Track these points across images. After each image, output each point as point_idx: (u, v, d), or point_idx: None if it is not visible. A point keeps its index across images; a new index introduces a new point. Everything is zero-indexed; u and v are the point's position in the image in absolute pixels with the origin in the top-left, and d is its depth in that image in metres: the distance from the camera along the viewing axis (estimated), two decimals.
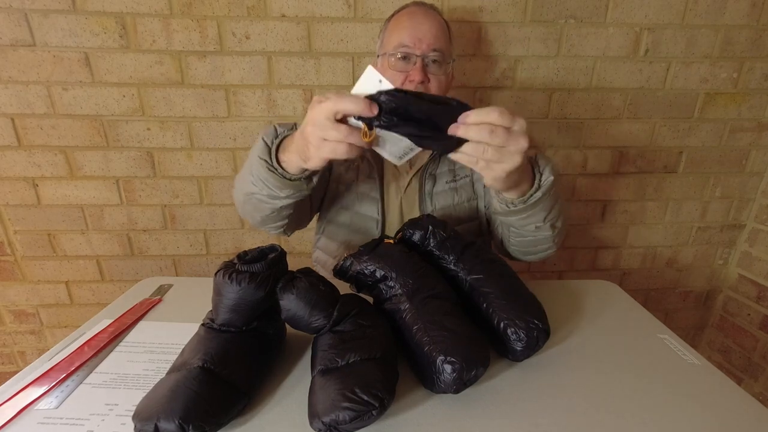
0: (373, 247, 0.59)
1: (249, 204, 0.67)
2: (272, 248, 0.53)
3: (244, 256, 0.51)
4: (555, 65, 1.05)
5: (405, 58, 0.75)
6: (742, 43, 1.07)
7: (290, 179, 0.57)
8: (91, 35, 0.95)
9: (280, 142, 0.58)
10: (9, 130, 1.02)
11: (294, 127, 0.58)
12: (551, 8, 1.00)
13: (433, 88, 0.76)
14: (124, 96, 1.01)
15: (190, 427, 0.39)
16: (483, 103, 1.07)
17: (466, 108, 0.46)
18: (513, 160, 0.48)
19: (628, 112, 1.12)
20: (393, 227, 0.82)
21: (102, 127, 1.03)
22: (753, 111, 1.14)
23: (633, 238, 1.27)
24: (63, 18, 0.93)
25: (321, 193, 0.83)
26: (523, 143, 0.47)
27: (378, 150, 0.51)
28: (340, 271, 0.59)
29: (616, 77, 1.08)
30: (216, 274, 0.49)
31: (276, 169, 0.57)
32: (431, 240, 0.62)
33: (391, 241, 0.61)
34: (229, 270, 0.49)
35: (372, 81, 0.47)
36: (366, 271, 0.57)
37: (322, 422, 0.40)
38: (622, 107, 1.11)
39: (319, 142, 0.48)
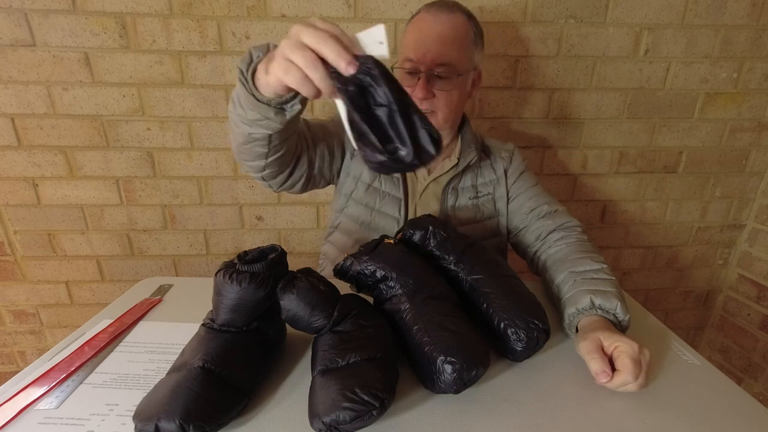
0: (374, 248, 0.59)
1: (230, 127, 0.61)
2: (272, 248, 0.53)
3: (244, 257, 0.51)
4: (555, 65, 1.05)
5: (412, 73, 0.72)
6: (742, 43, 1.07)
7: (258, 99, 0.49)
8: (91, 35, 0.95)
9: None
10: (9, 130, 1.02)
11: None
12: (551, 8, 1.00)
13: (440, 103, 0.73)
14: (124, 96, 1.01)
15: (191, 427, 0.39)
16: (483, 103, 1.07)
17: (428, 132, 0.41)
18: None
19: (628, 112, 1.12)
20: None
21: (102, 127, 1.03)
22: (753, 111, 1.14)
23: (633, 238, 1.27)
24: (63, 18, 0.93)
25: (313, 156, 0.76)
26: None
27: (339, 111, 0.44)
28: (340, 272, 0.59)
29: (616, 77, 1.08)
30: (216, 274, 0.49)
31: (247, 82, 0.49)
32: (431, 240, 0.62)
33: (391, 241, 0.61)
34: (229, 270, 0.49)
35: (373, 40, 0.41)
36: (366, 272, 0.57)
37: (323, 422, 0.40)
38: (622, 107, 1.11)
39: (282, 59, 0.43)
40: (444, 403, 0.48)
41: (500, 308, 0.54)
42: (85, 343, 0.57)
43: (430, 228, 0.62)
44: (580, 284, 0.62)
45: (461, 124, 0.85)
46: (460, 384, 0.46)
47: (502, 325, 0.53)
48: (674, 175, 1.20)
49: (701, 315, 1.40)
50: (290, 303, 0.49)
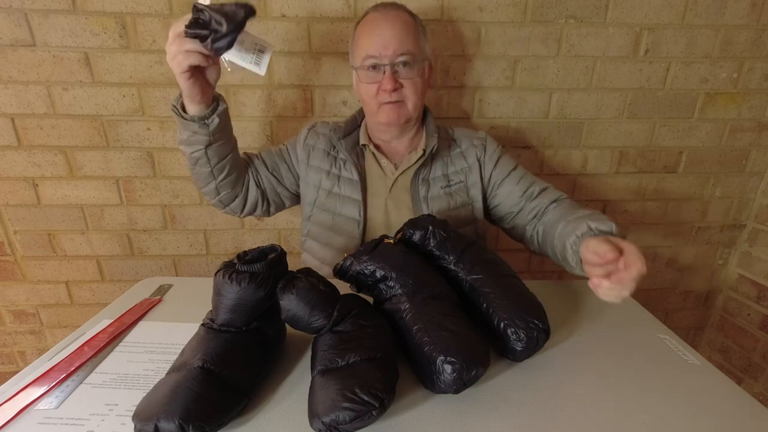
0: (373, 247, 0.59)
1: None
2: (272, 248, 0.53)
3: (244, 257, 0.51)
4: (555, 65, 1.05)
5: (374, 68, 0.76)
6: (742, 43, 1.07)
7: (185, 118, 0.70)
8: (91, 35, 0.95)
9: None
10: (9, 130, 1.02)
11: None
12: (551, 8, 1.00)
13: (408, 92, 0.77)
14: (124, 96, 1.01)
15: (190, 428, 0.39)
16: (483, 103, 1.07)
17: (247, 10, 0.60)
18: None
19: (628, 112, 1.12)
20: (376, 228, 0.83)
21: (102, 127, 1.03)
22: (753, 111, 1.14)
23: (633, 238, 1.26)
24: (63, 18, 0.93)
25: (260, 180, 0.87)
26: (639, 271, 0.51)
27: (234, 62, 0.64)
28: (340, 271, 0.59)
29: (616, 77, 1.08)
30: (216, 274, 0.49)
31: (177, 110, 0.71)
32: (431, 240, 0.62)
33: (391, 241, 0.61)
34: (229, 270, 0.49)
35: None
36: (366, 271, 0.57)
37: (323, 422, 0.40)
38: (622, 107, 1.11)
39: (170, 61, 0.63)
40: (444, 403, 0.48)
41: (500, 308, 0.54)
42: (85, 343, 0.57)
43: (430, 228, 0.62)
44: (576, 220, 0.66)
45: (424, 117, 0.88)
46: (460, 384, 0.46)
47: (502, 325, 0.53)
48: (674, 175, 1.20)
49: (701, 315, 1.40)
50: (290, 303, 0.49)
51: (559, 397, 0.49)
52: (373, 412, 0.41)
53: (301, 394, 0.48)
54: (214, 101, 0.72)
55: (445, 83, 1.05)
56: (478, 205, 0.86)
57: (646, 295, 1.34)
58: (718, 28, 1.05)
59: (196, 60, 0.62)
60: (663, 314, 1.38)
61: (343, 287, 0.58)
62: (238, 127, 1.05)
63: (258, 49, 0.64)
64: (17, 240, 1.12)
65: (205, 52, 0.61)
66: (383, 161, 0.85)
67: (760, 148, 1.19)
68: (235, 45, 0.62)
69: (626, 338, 0.61)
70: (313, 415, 0.42)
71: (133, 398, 0.47)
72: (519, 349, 0.52)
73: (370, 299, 0.60)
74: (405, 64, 0.75)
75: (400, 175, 0.83)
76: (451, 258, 0.60)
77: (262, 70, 0.65)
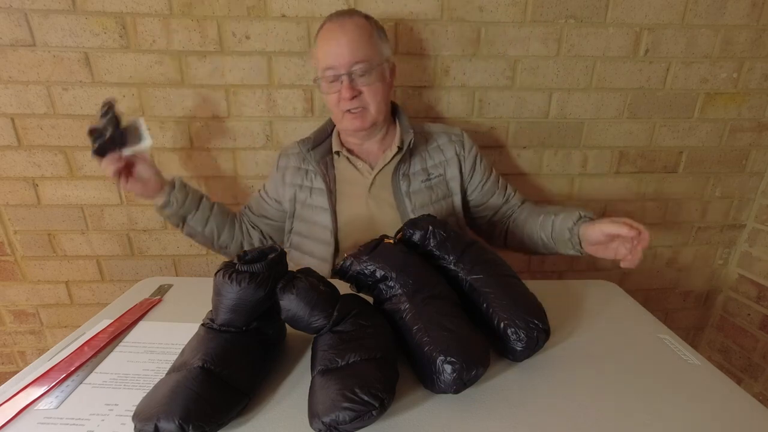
0: (373, 248, 0.59)
1: None
2: (272, 248, 0.53)
3: (244, 257, 0.51)
4: (555, 65, 1.05)
5: (335, 78, 0.78)
6: (742, 43, 1.07)
7: (159, 210, 0.86)
8: (91, 35, 0.95)
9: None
10: (9, 130, 1.02)
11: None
12: (551, 8, 1.00)
13: (368, 98, 0.79)
14: (124, 96, 1.01)
15: (190, 428, 0.39)
16: (483, 103, 1.07)
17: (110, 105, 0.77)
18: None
19: (628, 112, 1.12)
20: (353, 232, 0.85)
21: None
22: (753, 111, 1.14)
23: None
24: (63, 18, 0.93)
25: (256, 222, 0.96)
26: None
27: (132, 151, 0.80)
28: (340, 271, 0.59)
29: (616, 77, 1.08)
30: (216, 274, 0.49)
31: (157, 208, 0.86)
32: (431, 240, 0.62)
33: (391, 241, 0.61)
34: (229, 270, 0.49)
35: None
36: (366, 271, 0.57)
37: (323, 422, 0.40)
38: (622, 107, 1.11)
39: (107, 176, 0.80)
40: (444, 403, 0.48)
41: (500, 308, 0.54)
42: (85, 343, 0.58)
43: (430, 228, 0.62)
44: (560, 210, 0.79)
45: (395, 114, 0.91)
46: (460, 384, 0.46)
47: (502, 325, 0.53)
48: (674, 175, 1.20)
49: (701, 315, 1.40)
50: (290, 303, 0.49)
51: (559, 397, 0.49)
52: (373, 412, 0.41)
53: (301, 394, 0.48)
54: (170, 186, 0.84)
55: (444, 83, 1.05)
56: (457, 198, 0.89)
57: (646, 295, 1.34)
58: (718, 28, 1.05)
59: (113, 166, 0.77)
60: (663, 314, 1.38)
61: (343, 287, 0.58)
62: (238, 127, 1.06)
63: (135, 130, 0.79)
64: (17, 240, 1.12)
65: (111, 158, 0.77)
66: (359, 163, 0.87)
67: (760, 148, 1.19)
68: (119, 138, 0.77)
69: (626, 338, 0.61)
70: (313, 415, 0.42)
71: (133, 398, 0.47)
72: (519, 349, 0.52)
73: (370, 299, 0.60)
74: (362, 71, 0.77)
75: (377, 174, 0.85)
76: (451, 258, 0.60)
77: (147, 142, 0.79)
